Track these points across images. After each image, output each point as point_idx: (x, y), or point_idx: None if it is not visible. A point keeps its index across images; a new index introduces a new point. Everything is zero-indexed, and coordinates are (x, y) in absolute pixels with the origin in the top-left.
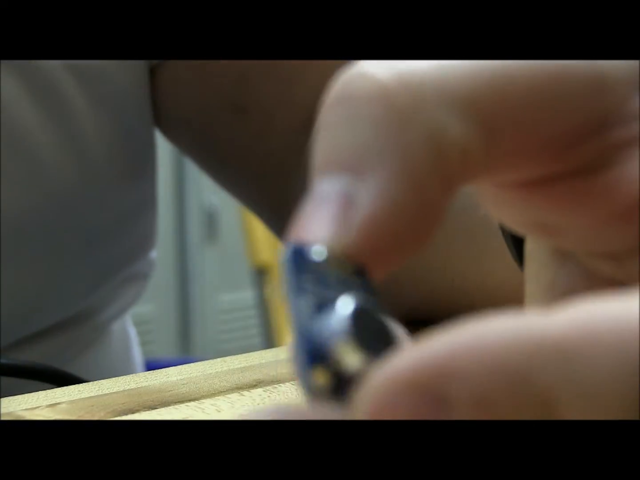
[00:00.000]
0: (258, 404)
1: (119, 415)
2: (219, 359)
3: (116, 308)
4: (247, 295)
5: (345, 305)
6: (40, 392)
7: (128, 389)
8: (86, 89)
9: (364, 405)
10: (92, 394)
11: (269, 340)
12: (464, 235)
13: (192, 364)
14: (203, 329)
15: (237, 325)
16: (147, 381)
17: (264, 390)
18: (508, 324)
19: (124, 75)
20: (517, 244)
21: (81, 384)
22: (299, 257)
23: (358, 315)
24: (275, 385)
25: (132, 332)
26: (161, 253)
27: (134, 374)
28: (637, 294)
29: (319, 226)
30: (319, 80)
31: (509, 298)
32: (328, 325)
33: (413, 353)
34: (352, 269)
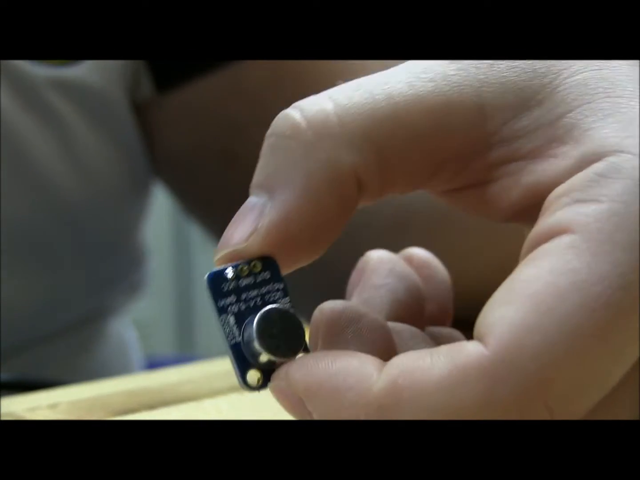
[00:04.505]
0: (258, 404)
1: (119, 415)
2: (219, 359)
3: (112, 313)
4: None
5: (255, 318)
6: (40, 392)
7: (128, 389)
8: (74, 105)
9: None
10: (92, 394)
11: None
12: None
13: (192, 364)
14: (204, 328)
15: None
16: (147, 381)
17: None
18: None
19: (112, 93)
20: None
21: (81, 384)
22: (216, 281)
23: (265, 323)
24: None
25: (132, 334)
26: (162, 252)
27: (134, 374)
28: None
29: (239, 230)
30: None
31: None
32: (247, 337)
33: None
34: (261, 266)
